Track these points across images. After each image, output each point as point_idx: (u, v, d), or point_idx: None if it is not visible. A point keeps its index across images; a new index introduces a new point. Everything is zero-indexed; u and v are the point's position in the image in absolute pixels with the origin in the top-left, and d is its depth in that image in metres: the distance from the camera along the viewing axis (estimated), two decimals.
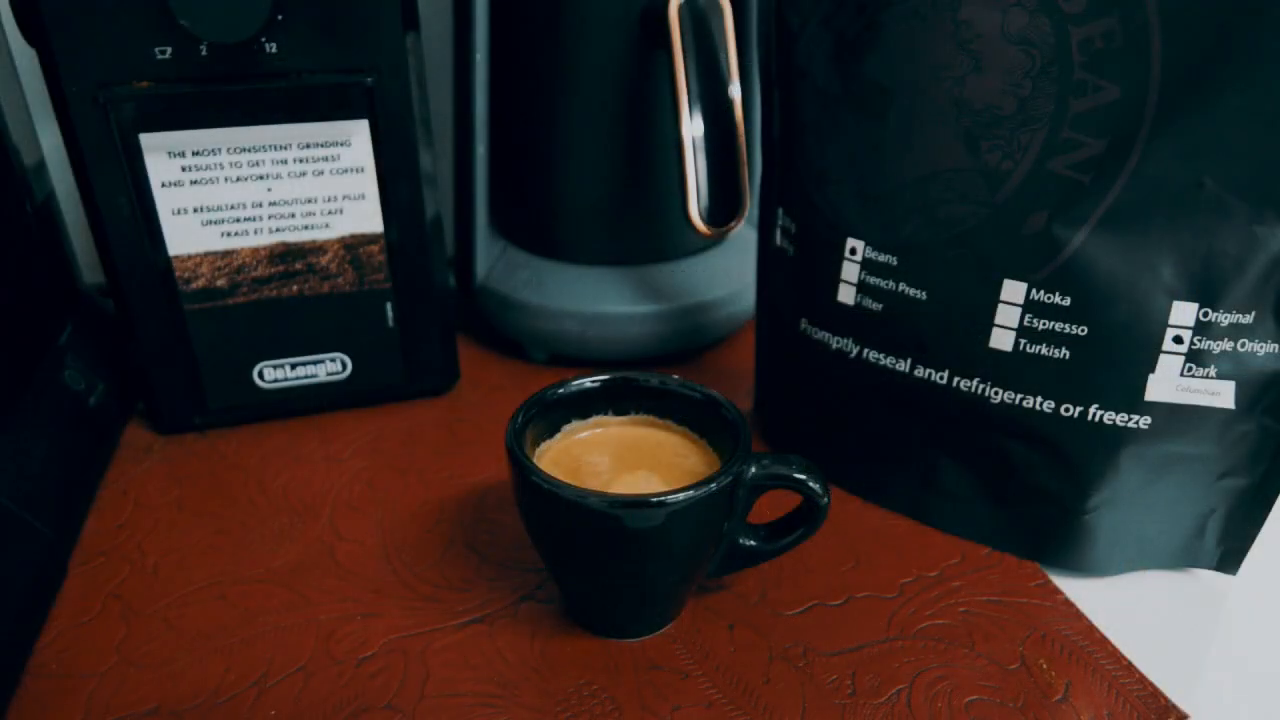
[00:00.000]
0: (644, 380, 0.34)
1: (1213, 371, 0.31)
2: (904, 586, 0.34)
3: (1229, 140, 0.28)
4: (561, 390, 0.33)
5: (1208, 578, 0.35)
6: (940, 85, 0.32)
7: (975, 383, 0.34)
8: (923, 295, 0.34)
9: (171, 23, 0.34)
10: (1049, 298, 0.32)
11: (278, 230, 0.40)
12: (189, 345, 0.41)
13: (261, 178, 0.39)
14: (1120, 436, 0.32)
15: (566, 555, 0.30)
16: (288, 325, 0.42)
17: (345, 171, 0.40)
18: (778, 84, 0.39)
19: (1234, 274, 0.29)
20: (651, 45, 0.43)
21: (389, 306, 0.43)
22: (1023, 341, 0.33)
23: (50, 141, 0.41)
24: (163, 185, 0.38)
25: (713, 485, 0.27)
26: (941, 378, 0.35)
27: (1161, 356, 0.31)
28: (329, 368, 0.44)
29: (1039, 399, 0.33)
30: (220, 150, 0.38)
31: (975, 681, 0.30)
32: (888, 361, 0.36)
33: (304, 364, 0.43)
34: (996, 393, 0.34)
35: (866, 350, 0.37)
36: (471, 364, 0.50)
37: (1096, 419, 0.32)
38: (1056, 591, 0.34)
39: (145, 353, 0.41)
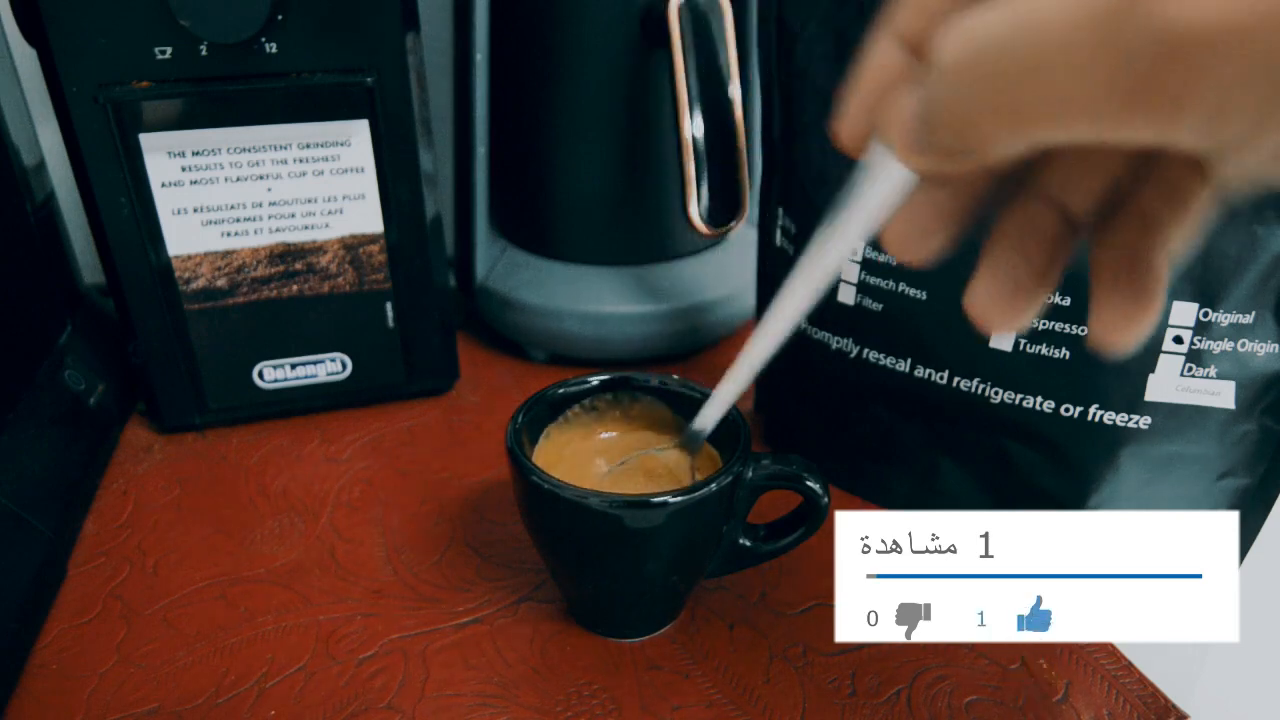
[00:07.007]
0: (644, 380, 0.34)
1: (1213, 371, 0.31)
2: None
3: None
4: (561, 390, 0.33)
5: None
6: None
7: (975, 383, 0.34)
8: (923, 295, 0.34)
9: (171, 23, 0.34)
10: (1049, 298, 0.32)
11: (278, 230, 0.40)
12: (189, 345, 0.41)
13: (261, 178, 0.39)
14: (1120, 436, 0.32)
15: (566, 555, 0.30)
16: (288, 325, 0.42)
17: (345, 171, 0.40)
18: (778, 84, 0.39)
19: (1234, 274, 0.29)
20: (651, 45, 0.43)
21: (389, 306, 0.43)
22: (1023, 341, 0.33)
23: (50, 141, 0.41)
24: (163, 185, 0.38)
25: (713, 485, 0.27)
26: (941, 378, 0.35)
27: (1161, 356, 0.31)
28: (329, 368, 0.44)
29: (1039, 399, 0.33)
30: (220, 150, 0.38)
31: (975, 681, 0.30)
32: (888, 361, 0.36)
33: (304, 364, 0.43)
34: (996, 393, 0.34)
35: (866, 350, 0.37)
36: (471, 364, 0.50)
37: (1096, 419, 0.32)
38: None
39: (145, 353, 0.41)
